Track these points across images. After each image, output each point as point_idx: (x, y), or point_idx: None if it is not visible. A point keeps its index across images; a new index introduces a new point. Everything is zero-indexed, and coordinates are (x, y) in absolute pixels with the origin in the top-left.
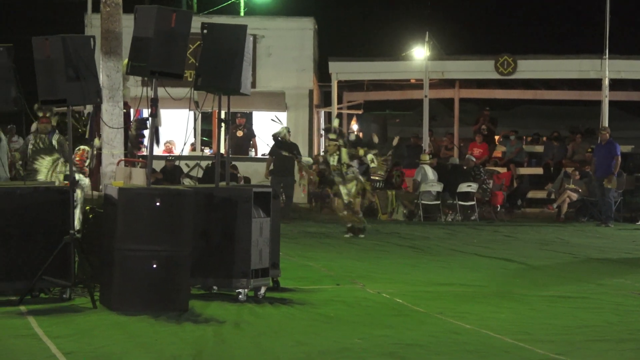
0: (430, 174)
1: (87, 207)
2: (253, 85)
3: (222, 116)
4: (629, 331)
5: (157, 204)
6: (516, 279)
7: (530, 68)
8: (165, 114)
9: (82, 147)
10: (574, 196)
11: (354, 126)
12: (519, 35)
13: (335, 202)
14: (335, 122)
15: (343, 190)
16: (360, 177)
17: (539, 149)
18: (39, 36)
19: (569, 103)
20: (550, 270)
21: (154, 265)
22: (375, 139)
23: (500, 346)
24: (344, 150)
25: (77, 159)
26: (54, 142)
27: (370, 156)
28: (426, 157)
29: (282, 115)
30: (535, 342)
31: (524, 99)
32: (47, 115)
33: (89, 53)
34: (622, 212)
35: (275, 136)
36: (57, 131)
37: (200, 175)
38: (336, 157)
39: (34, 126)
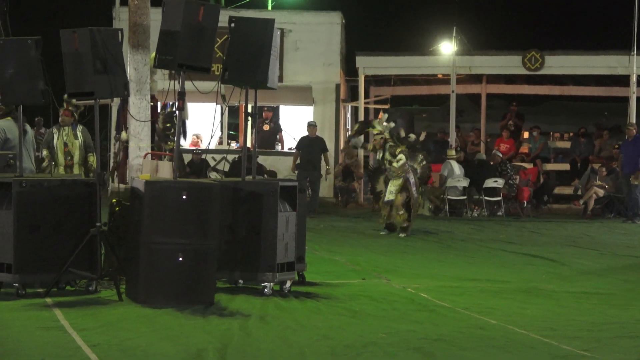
0: (457, 169)
1: (114, 200)
2: (280, 79)
3: (249, 110)
4: None
5: (184, 197)
6: (542, 275)
7: (558, 64)
8: (192, 107)
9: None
10: (601, 192)
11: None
12: (546, 30)
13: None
14: (384, 117)
15: (389, 187)
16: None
17: (566, 144)
18: (67, 29)
19: (596, 99)
20: (576, 267)
21: (180, 259)
22: (403, 134)
23: (526, 342)
24: (389, 146)
25: None
26: (79, 133)
27: (401, 156)
28: (453, 152)
29: (309, 110)
30: (561, 338)
31: (551, 95)
32: (70, 108)
33: (117, 46)
34: None
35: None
36: (79, 124)
37: (226, 168)
38: (381, 153)
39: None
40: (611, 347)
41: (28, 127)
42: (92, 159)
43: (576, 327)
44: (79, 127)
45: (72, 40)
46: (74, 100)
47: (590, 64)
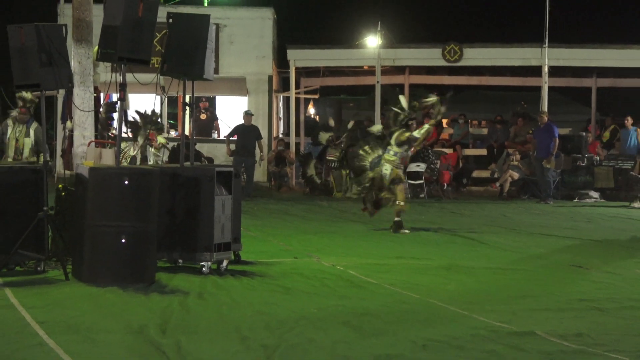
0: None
1: (60, 185)
2: (216, 71)
3: (187, 100)
4: (568, 301)
5: (126, 182)
6: (463, 253)
7: (475, 56)
8: (133, 98)
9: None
10: (516, 175)
11: (311, 110)
12: (465, 24)
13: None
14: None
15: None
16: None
17: (484, 131)
18: (13, 24)
19: (512, 89)
20: (494, 245)
21: (123, 240)
22: (332, 122)
23: (447, 315)
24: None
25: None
26: (31, 131)
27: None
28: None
29: (244, 100)
30: (480, 312)
31: (470, 85)
32: (28, 105)
33: (61, 41)
34: (561, 190)
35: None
36: (34, 120)
37: (166, 157)
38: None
39: (14, 112)
40: (526, 319)
41: None
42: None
43: (494, 301)
44: (33, 125)
45: (19, 35)
46: (29, 96)
47: (505, 56)
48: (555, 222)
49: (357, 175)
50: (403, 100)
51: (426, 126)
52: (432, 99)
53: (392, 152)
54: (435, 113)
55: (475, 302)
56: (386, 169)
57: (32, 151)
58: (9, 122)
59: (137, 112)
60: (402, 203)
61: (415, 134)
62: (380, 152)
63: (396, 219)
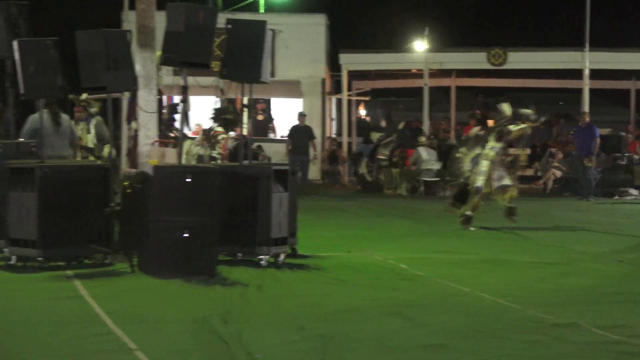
0: (425, 154)
1: (126, 183)
2: (272, 74)
3: (245, 102)
4: (604, 294)
5: (188, 180)
6: (507, 248)
7: (519, 59)
8: (194, 100)
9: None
10: (558, 173)
11: (362, 111)
12: (509, 29)
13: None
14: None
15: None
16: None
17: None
18: (82, 30)
19: (552, 90)
20: (537, 239)
21: (185, 234)
22: (383, 123)
23: (493, 307)
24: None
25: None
26: (91, 127)
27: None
28: (422, 139)
29: (298, 102)
30: (523, 303)
31: (513, 87)
32: (82, 104)
33: (126, 45)
34: (601, 188)
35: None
36: (97, 116)
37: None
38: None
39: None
40: (568, 311)
41: (66, 118)
42: (107, 151)
43: (536, 293)
44: (93, 121)
45: (87, 40)
46: (84, 95)
47: (548, 59)
48: (595, 219)
49: (457, 178)
50: (507, 107)
51: (523, 125)
52: (529, 117)
53: (490, 147)
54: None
55: (519, 295)
56: (483, 166)
57: (96, 146)
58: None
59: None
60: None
61: (511, 127)
62: (478, 150)
63: (509, 205)
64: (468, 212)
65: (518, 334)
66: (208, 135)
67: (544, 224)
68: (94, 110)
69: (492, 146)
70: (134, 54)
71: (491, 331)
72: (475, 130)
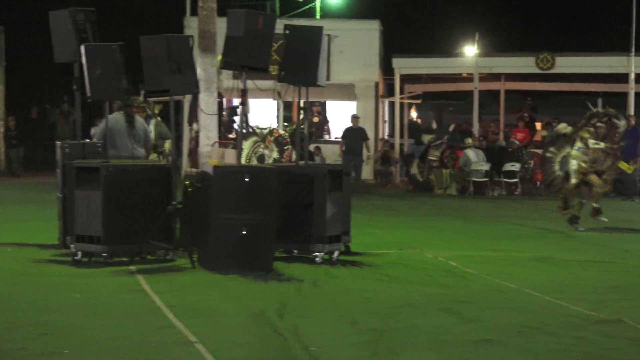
0: (473, 156)
1: (187, 182)
2: (327, 78)
3: (301, 104)
4: None
5: (246, 179)
6: (554, 246)
7: (566, 64)
8: (252, 102)
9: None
10: None
11: (414, 113)
12: (556, 33)
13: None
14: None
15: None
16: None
17: None
18: (146, 36)
19: (599, 94)
20: (583, 238)
21: (244, 232)
22: (434, 125)
23: (541, 303)
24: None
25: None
26: (151, 127)
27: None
28: (469, 141)
29: (352, 105)
30: (569, 300)
31: (561, 91)
32: (141, 105)
33: (188, 50)
34: None
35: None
36: (156, 117)
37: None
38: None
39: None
40: (614, 308)
41: (140, 120)
42: (167, 145)
43: (583, 291)
44: (152, 122)
45: (151, 45)
46: (140, 99)
47: (594, 64)
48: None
49: (550, 180)
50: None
51: (601, 145)
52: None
53: (577, 147)
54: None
55: (566, 292)
56: (573, 165)
57: (158, 142)
58: None
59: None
60: (599, 190)
61: (591, 141)
62: (567, 150)
63: (595, 205)
64: (576, 213)
65: (565, 330)
66: (277, 140)
67: (590, 224)
68: (151, 111)
69: (579, 147)
70: (195, 58)
71: (539, 327)
72: (562, 126)
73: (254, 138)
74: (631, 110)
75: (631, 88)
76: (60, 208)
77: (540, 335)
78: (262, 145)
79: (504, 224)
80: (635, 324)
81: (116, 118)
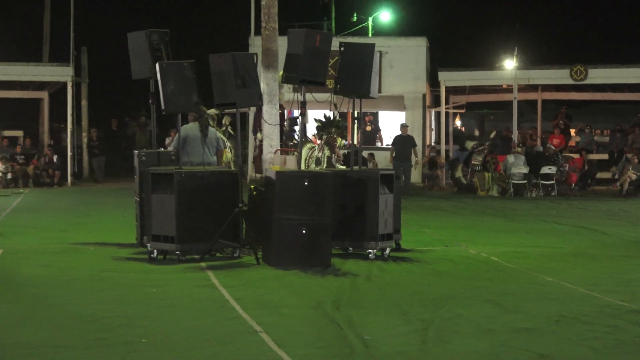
0: (513, 160)
1: (252, 186)
2: (379, 90)
3: (355, 115)
4: None
5: (306, 183)
6: (588, 242)
7: (599, 75)
8: (311, 113)
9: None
10: (634, 176)
11: (458, 122)
12: (589, 46)
13: None
14: None
15: None
16: None
17: (605, 139)
18: (214, 54)
19: (629, 103)
20: (615, 235)
21: (304, 231)
22: (477, 133)
23: (577, 295)
24: None
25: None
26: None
27: None
28: (518, 149)
29: (402, 114)
30: (603, 292)
31: (593, 100)
32: (196, 115)
33: (253, 66)
34: None
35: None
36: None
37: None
38: None
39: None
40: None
41: (212, 130)
42: (225, 155)
43: (615, 283)
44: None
45: (219, 62)
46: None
47: (625, 75)
48: None
49: None
50: None
51: None
52: None
53: None
54: None
55: (600, 284)
56: None
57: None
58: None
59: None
60: None
61: None
62: None
63: None
64: None
65: (599, 319)
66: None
67: (621, 221)
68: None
69: None
70: (259, 74)
71: (575, 316)
72: None
73: (310, 145)
74: None
75: None
76: (138, 211)
77: (576, 324)
78: (316, 150)
79: (542, 222)
80: None
81: (191, 128)
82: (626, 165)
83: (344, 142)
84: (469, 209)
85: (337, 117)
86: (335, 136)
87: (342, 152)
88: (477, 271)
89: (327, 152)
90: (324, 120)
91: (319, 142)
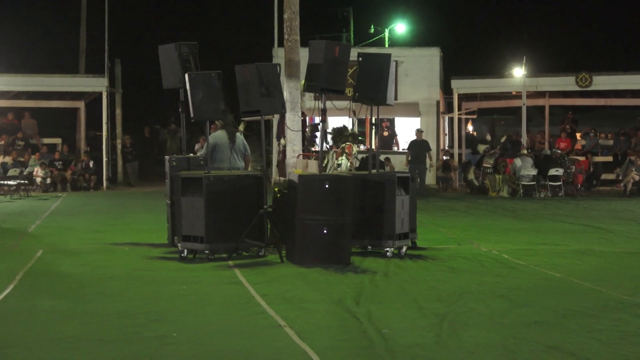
0: (522, 163)
1: (276, 189)
2: (395, 97)
3: (373, 121)
4: None
5: (327, 186)
6: (594, 240)
7: (603, 82)
8: (331, 120)
9: (348, 143)
10: (637, 177)
11: (470, 127)
12: (594, 54)
13: None
14: None
15: None
16: None
17: (609, 142)
18: (240, 65)
19: (632, 108)
20: (620, 233)
21: (325, 231)
22: (488, 137)
23: (583, 290)
24: None
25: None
26: None
27: None
28: (524, 151)
29: (417, 120)
30: (608, 287)
31: (598, 105)
32: (217, 122)
33: (276, 76)
34: None
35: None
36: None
37: (357, 164)
38: None
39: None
40: None
41: (240, 136)
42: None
43: (620, 279)
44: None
45: (244, 73)
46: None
47: (627, 82)
48: None
49: None
50: None
51: None
52: None
53: None
54: None
55: (605, 280)
56: None
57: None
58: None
59: (335, 129)
60: None
61: None
62: None
63: None
64: None
65: (604, 313)
66: (344, 150)
67: (625, 220)
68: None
69: None
70: (282, 83)
71: (582, 310)
72: None
73: (331, 151)
74: None
75: None
76: (169, 212)
77: (583, 317)
78: (336, 156)
79: (550, 221)
80: None
81: (220, 135)
82: (629, 167)
83: (358, 148)
84: (481, 209)
85: (352, 128)
86: (350, 144)
87: (360, 156)
88: (489, 268)
89: (343, 160)
90: (333, 131)
91: (337, 149)
